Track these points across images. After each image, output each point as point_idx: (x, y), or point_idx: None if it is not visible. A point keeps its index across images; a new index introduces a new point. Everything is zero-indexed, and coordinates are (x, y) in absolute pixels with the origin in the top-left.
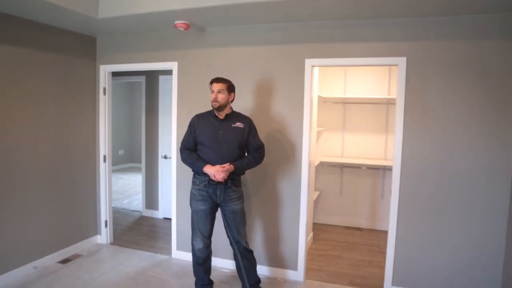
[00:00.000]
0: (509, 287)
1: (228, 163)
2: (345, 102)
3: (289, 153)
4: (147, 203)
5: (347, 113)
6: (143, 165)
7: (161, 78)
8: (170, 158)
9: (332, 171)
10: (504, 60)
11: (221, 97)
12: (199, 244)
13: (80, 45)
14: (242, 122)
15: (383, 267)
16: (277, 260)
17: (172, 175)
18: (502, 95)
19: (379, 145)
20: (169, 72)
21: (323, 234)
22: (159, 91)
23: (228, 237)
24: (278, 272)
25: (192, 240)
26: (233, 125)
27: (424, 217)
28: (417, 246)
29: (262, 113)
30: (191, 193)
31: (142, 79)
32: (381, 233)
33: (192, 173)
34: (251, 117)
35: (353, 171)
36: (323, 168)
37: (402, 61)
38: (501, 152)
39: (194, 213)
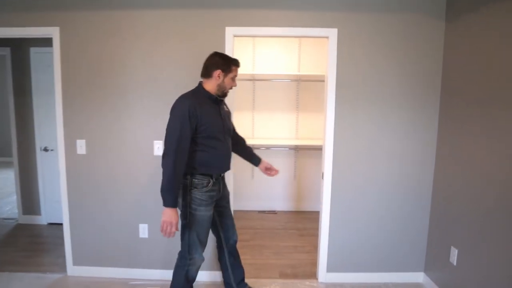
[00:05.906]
0: (430, 268)
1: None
2: (254, 79)
3: None
4: (25, 207)
5: (256, 91)
6: (15, 160)
7: (33, 50)
8: (52, 150)
9: None
10: (426, 33)
11: None
12: (200, 260)
13: None
14: (225, 105)
15: (309, 252)
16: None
17: (61, 171)
18: (423, 68)
19: (290, 124)
20: (43, 43)
21: (240, 221)
22: (31, 67)
23: (219, 237)
24: (216, 275)
25: (192, 257)
26: (226, 109)
27: (357, 198)
28: (350, 229)
29: (179, 92)
30: (196, 200)
31: (6, 51)
32: (296, 214)
33: (187, 175)
34: (169, 97)
35: (264, 152)
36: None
37: (333, 32)
38: (425, 128)
39: (199, 223)
